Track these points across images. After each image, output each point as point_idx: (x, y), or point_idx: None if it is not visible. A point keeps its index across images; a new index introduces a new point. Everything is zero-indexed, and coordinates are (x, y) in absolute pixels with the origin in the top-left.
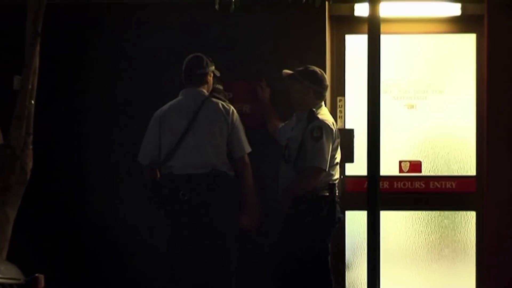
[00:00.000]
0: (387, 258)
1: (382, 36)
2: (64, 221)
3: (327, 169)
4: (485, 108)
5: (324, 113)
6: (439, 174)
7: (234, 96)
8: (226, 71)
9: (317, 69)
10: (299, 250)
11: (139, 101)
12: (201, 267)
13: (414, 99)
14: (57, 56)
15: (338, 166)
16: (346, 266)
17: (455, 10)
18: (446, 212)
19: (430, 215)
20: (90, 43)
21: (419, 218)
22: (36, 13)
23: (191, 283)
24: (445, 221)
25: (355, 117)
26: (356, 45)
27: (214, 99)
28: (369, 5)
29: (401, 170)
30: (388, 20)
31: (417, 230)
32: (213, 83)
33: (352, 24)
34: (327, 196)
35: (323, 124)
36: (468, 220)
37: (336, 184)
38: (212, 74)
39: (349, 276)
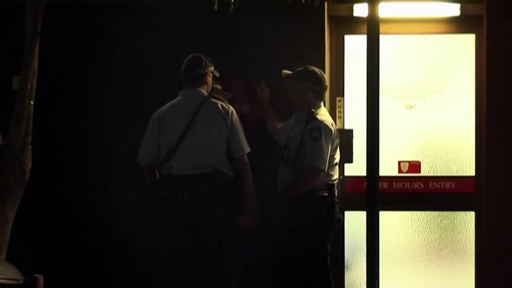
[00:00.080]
0: (386, 258)
1: (381, 37)
2: (63, 221)
3: (325, 170)
4: (484, 109)
5: (323, 114)
6: (438, 174)
7: (233, 96)
8: (225, 71)
9: (317, 70)
10: (298, 251)
11: (138, 102)
12: (201, 267)
13: (413, 99)
14: (56, 56)
15: (337, 167)
16: (345, 267)
17: (454, 10)
18: (445, 213)
19: (429, 216)
20: (89, 44)
21: (418, 219)
22: (35, 14)
23: (190, 283)
24: (444, 221)
25: (354, 117)
26: (355, 46)
27: (213, 100)
28: (368, 6)
29: (400, 171)
30: (387, 21)
31: (416, 231)
32: (212, 83)
33: (351, 25)
34: (326, 196)
35: (322, 124)
36: (467, 221)
37: (335, 185)
38: (211, 75)
39: (348, 277)
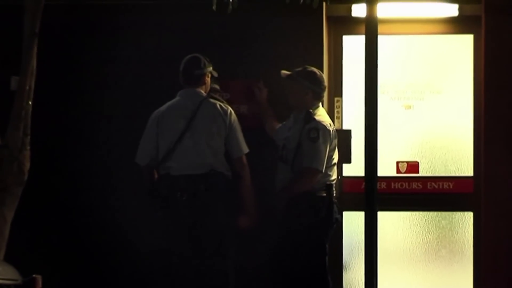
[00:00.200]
0: (384, 258)
1: (379, 37)
2: (62, 221)
3: (323, 170)
4: (482, 109)
5: (321, 114)
6: (437, 174)
7: (231, 96)
8: (224, 71)
9: (316, 70)
10: (296, 251)
11: (137, 102)
12: (199, 267)
13: (412, 99)
14: (55, 56)
15: (335, 167)
16: (344, 267)
17: (453, 11)
18: (444, 213)
19: (427, 216)
20: (88, 44)
21: (416, 219)
22: (34, 14)
23: (189, 283)
24: (443, 221)
25: (353, 117)
26: (353, 46)
27: (212, 100)
28: (367, 6)
29: (398, 171)
30: (385, 21)
31: (414, 231)
32: (210, 84)
33: (350, 25)
34: (325, 196)
35: (320, 125)
36: (466, 221)
37: (334, 185)
38: (210, 75)
39: (347, 277)
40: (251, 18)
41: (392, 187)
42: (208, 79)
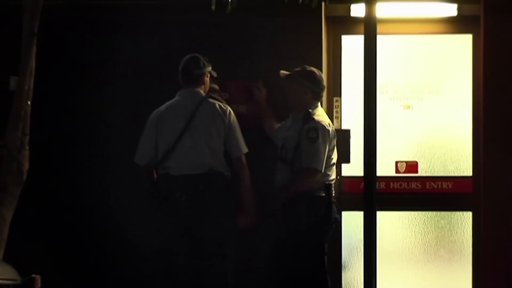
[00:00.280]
0: (383, 258)
1: (378, 37)
2: (61, 221)
3: (323, 170)
4: (481, 109)
5: (320, 114)
6: (436, 174)
7: (230, 96)
8: (223, 71)
9: (315, 70)
10: (295, 251)
11: (136, 101)
12: (198, 267)
13: (411, 99)
14: (54, 56)
15: (334, 167)
16: (343, 267)
17: (451, 10)
18: (443, 213)
19: (426, 216)
20: (87, 44)
21: (415, 219)
22: (33, 14)
23: (188, 283)
24: (442, 221)
25: (352, 117)
26: (352, 46)
27: (211, 100)
28: (366, 6)
29: (397, 171)
30: (384, 21)
31: (413, 231)
32: (209, 83)
33: (349, 25)
34: (324, 196)
35: (319, 125)
36: (465, 221)
37: (333, 185)
38: (209, 75)
39: (346, 277)
40: (250, 18)
41: (391, 187)
42: (207, 79)
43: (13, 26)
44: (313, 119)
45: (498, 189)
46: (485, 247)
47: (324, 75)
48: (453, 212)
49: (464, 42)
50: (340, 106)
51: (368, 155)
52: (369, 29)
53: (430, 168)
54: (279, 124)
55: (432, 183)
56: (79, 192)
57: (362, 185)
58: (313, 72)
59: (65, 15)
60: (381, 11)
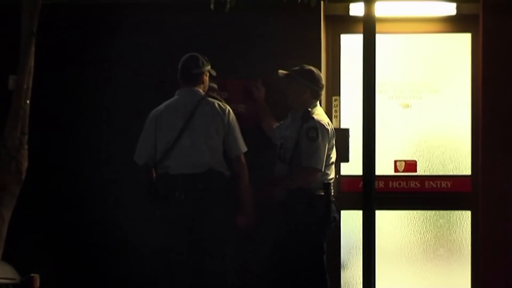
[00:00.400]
0: (382, 257)
1: (377, 36)
2: (60, 221)
3: (322, 169)
4: (480, 108)
5: (319, 113)
6: (434, 173)
7: (229, 95)
8: (222, 70)
9: (314, 68)
10: (294, 250)
11: (135, 101)
12: (197, 267)
13: (409, 98)
14: (53, 56)
15: (333, 166)
16: (342, 266)
17: (450, 9)
18: (441, 212)
19: (425, 215)
20: (86, 43)
21: (414, 218)
22: (31, 13)
23: (187, 282)
24: (440, 220)
25: (350, 116)
26: (351, 45)
27: (210, 99)
28: (364, 5)
29: (396, 170)
30: (383, 20)
31: (412, 230)
32: (208, 82)
33: (348, 24)
34: (323, 195)
35: (318, 124)
36: (463, 220)
37: (332, 184)
38: (208, 74)
39: (345, 276)
40: (248, 17)
41: (390, 186)
42: (206, 78)
43: (12, 25)
44: (312, 118)
45: (497, 188)
46: (483, 246)
47: (323, 74)
48: (452, 211)
49: (463, 41)
50: (339, 105)
51: (367, 154)
52: (368, 28)
53: (429, 167)
54: (278, 123)
55: (431, 182)
56: (78, 191)
57: (361, 184)
58: (312, 71)
59: (64, 15)
60: (380, 10)
